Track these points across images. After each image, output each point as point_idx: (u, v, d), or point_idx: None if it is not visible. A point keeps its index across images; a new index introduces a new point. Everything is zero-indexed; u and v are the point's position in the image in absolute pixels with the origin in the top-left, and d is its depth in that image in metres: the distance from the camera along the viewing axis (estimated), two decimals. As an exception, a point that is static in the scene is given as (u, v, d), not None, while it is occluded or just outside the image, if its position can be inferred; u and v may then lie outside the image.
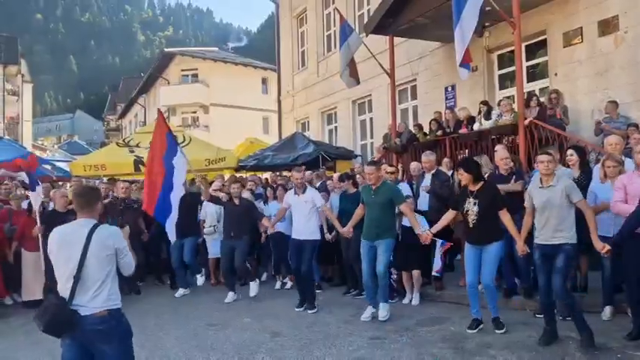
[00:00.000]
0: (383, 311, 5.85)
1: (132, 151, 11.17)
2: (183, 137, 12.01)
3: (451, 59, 11.28)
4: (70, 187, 10.42)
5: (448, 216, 5.50)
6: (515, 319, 5.40)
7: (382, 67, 10.78)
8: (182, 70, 31.17)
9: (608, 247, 4.41)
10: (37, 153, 22.15)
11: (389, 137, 11.16)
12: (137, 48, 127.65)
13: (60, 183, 11.92)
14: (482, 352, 4.64)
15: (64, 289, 3.02)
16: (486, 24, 10.27)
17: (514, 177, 5.96)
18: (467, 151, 9.05)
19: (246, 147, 15.17)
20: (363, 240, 5.97)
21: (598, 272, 5.53)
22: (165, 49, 32.72)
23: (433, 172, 7.08)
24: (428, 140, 9.87)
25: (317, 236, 6.73)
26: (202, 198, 7.62)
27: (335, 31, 15.79)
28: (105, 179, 11.34)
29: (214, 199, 7.54)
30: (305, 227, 6.60)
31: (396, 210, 6.06)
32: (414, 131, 10.61)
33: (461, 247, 6.82)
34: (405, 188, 7.21)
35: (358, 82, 11.13)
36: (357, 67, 10.97)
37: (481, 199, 5.06)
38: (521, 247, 4.95)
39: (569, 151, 6.03)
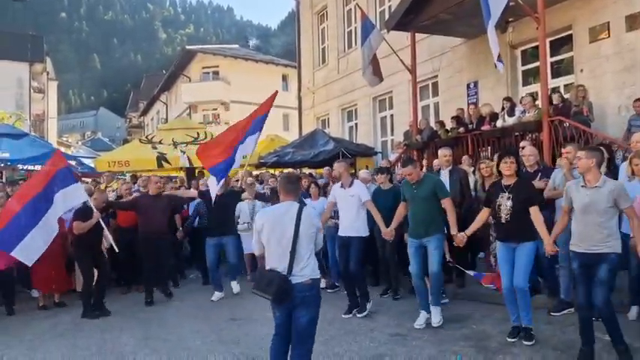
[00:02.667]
0: (436, 316, 5.42)
1: (155, 148, 11.31)
2: (205, 134, 12.14)
3: (474, 55, 11.21)
4: (94, 181, 10.60)
5: (483, 215, 5.09)
6: (537, 317, 5.32)
7: (403, 64, 10.73)
8: (203, 68, 31.40)
9: None
10: (62, 149, 22.57)
11: (410, 134, 11.11)
12: (159, 46, 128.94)
13: (87, 180, 12.10)
14: (504, 350, 4.60)
15: (279, 262, 3.51)
16: (510, 19, 10.14)
17: (539, 175, 5.88)
18: (489, 148, 8.95)
19: (267, 144, 15.18)
20: (410, 239, 5.60)
21: (624, 271, 5.43)
22: (187, 47, 32.95)
23: (450, 168, 6.93)
24: (449, 137, 9.78)
25: (365, 233, 6.21)
26: (247, 196, 7.68)
27: (356, 27, 15.76)
28: (128, 175, 11.55)
29: (260, 197, 7.64)
30: (353, 223, 6.13)
31: None
32: (435, 128, 10.54)
33: (484, 246, 6.78)
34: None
35: (381, 80, 11.09)
36: (379, 64, 10.93)
37: (515, 194, 4.74)
38: (550, 248, 4.52)
39: None
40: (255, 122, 7.49)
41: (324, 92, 17.80)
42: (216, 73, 31.21)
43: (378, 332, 5.26)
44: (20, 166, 11.21)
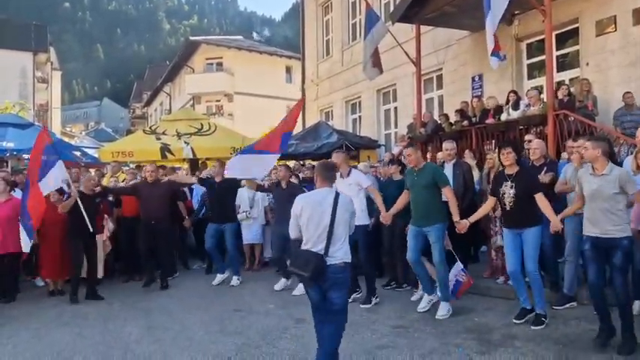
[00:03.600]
0: (442, 309, 5.48)
1: (158, 139, 11.30)
2: (209, 125, 12.12)
3: (478, 48, 11.14)
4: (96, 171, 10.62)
5: (489, 203, 5.34)
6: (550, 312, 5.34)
7: (408, 56, 10.69)
8: (207, 59, 31.36)
9: None
10: (66, 139, 22.64)
11: (414, 127, 11.09)
12: (162, 36, 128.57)
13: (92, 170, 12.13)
14: (507, 343, 4.61)
15: (316, 244, 3.79)
16: (516, 12, 10.09)
17: (545, 168, 5.87)
18: (493, 142, 8.93)
19: (270, 136, 15.21)
20: (411, 226, 5.69)
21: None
22: (191, 38, 32.92)
23: (454, 161, 6.92)
24: (453, 130, 9.76)
25: (366, 220, 6.24)
26: (245, 185, 7.87)
27: (360, 19, 15.67)
28: (132, 165, 11.56)
29: (260, 188, 7.73)
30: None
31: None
32: (439, 121, 10.51)
33: (486, 239, 6.79)
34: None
35: (381, 72, 11.05)
36: (380, 56, 10.88)
37: (518, 182, 4.98)
38: (556, 224, 4.72)
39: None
40: (284, 138, 7.33)
41: (327, 84, 17.75)
42: (219, 64, 31.18)
43: (380, 324, 5.27)
44: (25, 156, 11.22)
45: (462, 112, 9.88)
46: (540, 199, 4.89)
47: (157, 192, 7.39)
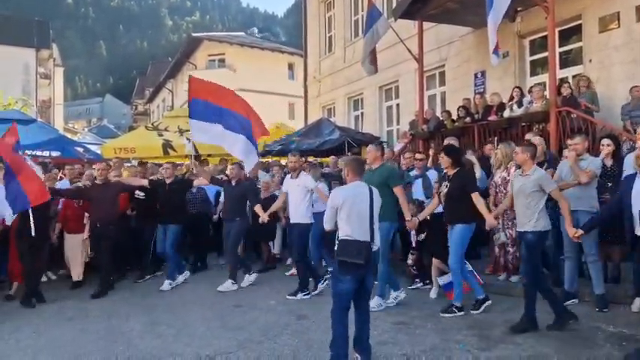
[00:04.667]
0: (374, 302, 5.55)
1: (160, 135, 11.34)
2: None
3: (481, 45, 11.11)
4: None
5: (434, 202, 5.84)
6: (540, 308, 5.33)
7: (410, 53, 10.69)
8: (209, 55, 31.34)
9: (580, 232, 4.68)
10: (69, 135, 22.67)
11: (416, 124, 11.08)
12: (165, 33, 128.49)
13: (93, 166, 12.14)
14: (507, 339, 4.62)
15: (360, 234, 4.07)
16: (519, 9, 10.07)
17: (545, 164, 5.87)
18: (496, 138, 8.91)
19: (272, 132, 15.13)
20: None
21: (629, 263, 5.44)
22: (193, 34, 32.91)
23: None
24: (456, 127, 9.75)
25: (310, 220, 6.70)
26: (199, 182, 7.70)
27: (363, 15, 15.63)
28: (134, 162, 11.57)
29: (215, 181, 7.70)
30: (298, 211, 6.64)
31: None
32: (441, 118, 10.50)
33: (489, 237, 6.78)
34: (433, 175, 7.18)
35: (376, 71, 11.06)
36: (376, 54, 10.88)
37: (452, 182, 5.48)
38: (490, 222, 5.37)
39: (606, 140, 5.91)
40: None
41: (330, 81, 17.74)
42: (222, 60, 31.16)
43: (381, 320, 5.27)
44: (28, 152, 11.23)
45: (465, 109, 9.86)
46: (477, 198, 5.36)
47: (106, 194, 7.11)
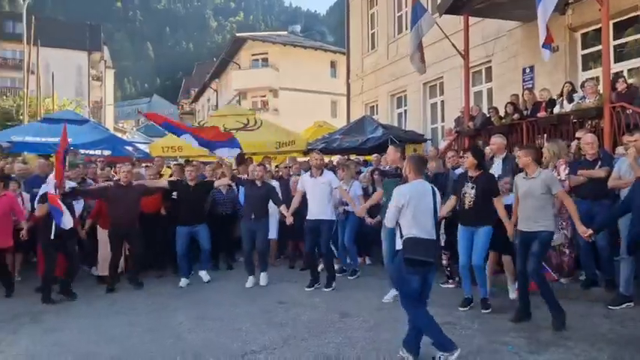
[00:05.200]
0: (389, 295, 6.09)
1: (206, 134, 11.51)
2: (255, 120, 12.29)
3: (530, 39, 10.80)
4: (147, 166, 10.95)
5: (451, 202, 5.79)
6: (595, 311, 5.17)
7: (456, 48, 10.49)
8: (252, 55, 31.74)
9: (590, 231, 4.75)
10: (119, 135, 23.46)
11: (461, 121, 10.88)
12: (209, 34, 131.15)
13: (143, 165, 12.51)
14: (558, 342, 4.48)
15: (426, 232, 4.14)
16: (570, 1, 9.72)
17: (599, 163, 5.65)
18: (545, 135, 8.64)
19: (315, 130, 15.26)
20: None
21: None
22: (237, 35, 33.38)
23: (503, 156, 6.78)
24: (503, 124, 9.50)
25: (333, 216, 7.01)
26: (221, 182, 7.88)
27: (407, 11, 15.48)
28: (181, 160, 11.84)
29: (237, 180, 7.81)
30: (321, 208, 6.81)
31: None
32: (488, 115, 10.26)
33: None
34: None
35: (425, 70, 10.91)
36: (424, 52, 10.72)
37: (478, 185, 5.48)
38: (510, 230, 5.34)
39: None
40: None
41: (373, 78, 17.64)
42: (265, 60, 31.50)
43: (427, 320, 5.21)
44: (82, 151, 11.70)
45: (513, 105, 9.59)
46: (498, 202, 5.45)
47: (128, 195, 7.18)
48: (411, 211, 4.12)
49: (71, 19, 55.09)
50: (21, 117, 20.54)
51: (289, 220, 7.10)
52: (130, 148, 13.32)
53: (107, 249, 7.38)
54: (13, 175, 8.09)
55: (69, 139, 11.20)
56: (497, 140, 6.68)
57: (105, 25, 62.81)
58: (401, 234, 4.20)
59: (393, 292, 6.06)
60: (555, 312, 4.85)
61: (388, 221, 4.32)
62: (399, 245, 4.24)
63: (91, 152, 12.38)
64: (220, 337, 4.98)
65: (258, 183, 7.51)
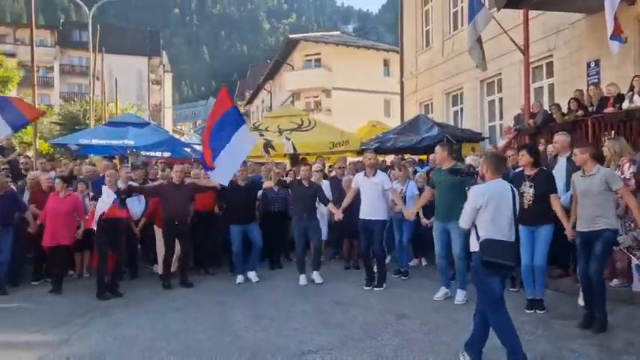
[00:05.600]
0: (459, 296, 6.06)
1: (261, 135, 11.71)
2: (309, 121, 12.37)
3: (595, 32, 10.30)
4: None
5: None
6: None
7: (515, 44, 10.16)
8: (306, 56, 31.94)
9: None
10: (177, 136, 24.24)
11: (521, 118, 10.51)
12: (263, 36, 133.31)
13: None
14: (630, 350, 4.25)
15: (505, 234, 3.98)
16: (640, -10, 9.17)
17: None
18: (612, 132, 8.20)
19: (368, 130, 15.20)
20: (436, 221, 6.28)
21: None
22: (290, 36, 33.71)
23: (567, 155, 6.47)
24: (566, 121, 9.11)
25: (385, 216, 6.98)
26: (268, 184, 8.06)
27: (462, 7, 15.15)
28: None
29: (282, 184, 7.92)
30: (375, 208, 6.84)
31: None
32: (550, 111, 9.86)
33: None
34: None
35: (486, 67, 10.62)
36: (484, 51, 10.43)
37: (537, 183, 5.37)
38: (569, 231, 5.19)
39: None
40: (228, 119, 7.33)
41: (427, 76, 17.35)
42: (318, 60, 31.62)
43: (487, 324, 5.06)
44: (143, 153, 12.16)
45: (577, 101, 9.17)
46: (555, 200, 5.33)
47: (181, 194, 7.40)
48: (490, 212, 3.98)
49: (132, 26, 57.41)
50: (87, 121, 21.57)
51: (338, 216, 7.21)
52: (188, 150, 13.71)
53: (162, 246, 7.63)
54: (81, 177, 8.48)
55: (130, 142, 11.76)
56: (561, 138, 6.36)
57: (163, 30, 65.08)
58: (477, 235, 4.05)
59: (444, 290, 6.25)
60: (601, 314, 4.76)
61: (464, 222, 4.16)
62: (474, 247, 4.09)
63: (152, 154, 12.86)
64: (277, 336, 5.03)
65: (306, 183, 7.60)
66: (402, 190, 7.69)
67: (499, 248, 3.91)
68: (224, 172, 7.20)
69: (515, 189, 4.18)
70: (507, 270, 4.04)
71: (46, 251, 7.34)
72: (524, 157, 5.57)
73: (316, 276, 7.40)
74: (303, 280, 7.34)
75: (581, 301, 5.55)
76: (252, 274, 7.64)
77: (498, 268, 3.92)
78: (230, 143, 7.11)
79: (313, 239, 7.49)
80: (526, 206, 5.37)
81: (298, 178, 7.86)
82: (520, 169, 6.78)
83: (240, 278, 7.55)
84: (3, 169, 8.59)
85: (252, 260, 7.76)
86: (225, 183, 7.37)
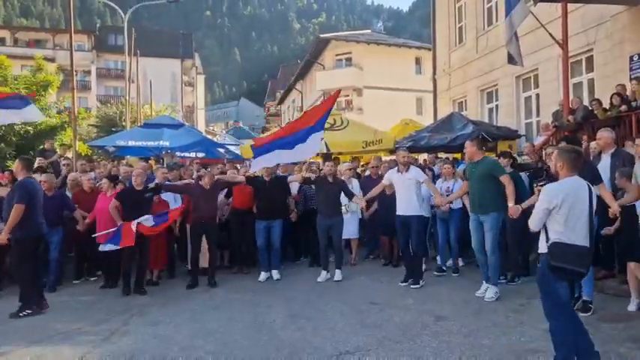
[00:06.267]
0: (490, 292, 6.02)
1: (294, 134, 11.69)
2: (341, 120, 12.30)
3: (638, 24, 9.95)
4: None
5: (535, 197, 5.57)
6: None
7: (553, 38, 9.86)
8: (336, 55, 31.88)
9: None
10: (210, 137, 24.54)
11: (560, 114, 10.22)
12: (293, 36, 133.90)
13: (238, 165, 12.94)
14: (684, 357, 4.05)
15: (580, 237, 3.64)
16: (687, -22, 8.80)
17: None
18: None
19: (401, 128, 15.03)
20: (471, 213, 6.28)
21: None
22: (321, 35, 33.70)
23: (612, 151, 6.25)
24: (609, 117, 8.80)
25: (422, 212, 6.99)
26: (293, 178, 8.10)
27: (496, 2, 14.86)
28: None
29: (307, 181, 7.91)
30: (411, 204, 6.85)
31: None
32: (591, 107, 9.55)
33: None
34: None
35: (523, 64, 10.35)
36: (520, 47, 10.15)
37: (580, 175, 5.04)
38: (614, 209, 4.88)
39: None
40: (319, 121, 7.53)
41: (461, 73, 17.08)
42: (348, 59, 31.53)
43: (529, 326, 4.93)
44: (178, 153, 12.35)
45: (619, 96, 8.85)
46: (602, 188, 5.02)
47: (209, 191, 7.44)
48: (564, 213, 3.63)
49: (166, 29, 58.49)
50: (123, 123, 22.07)
51: (362, 204, 7.37)
52: (222, 150, 13.86)
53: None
54: (120, 177, 8.66)
55: (166, 143, 11.95)
56: (604, 134, 6.14)
57: (195, 33, 66.05)
58: (547, 237, 3.74)
59: (486, 286, 6.18)
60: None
61: (533, 224, 3.81)
62: (542, 248, 3.78)
63: (187, 154, 13.05)
64: (313, 336, 5.01)
65: (330, 179, 7.60)
66: (448, 187, 7.64)
67: (570, 253, 3.60)
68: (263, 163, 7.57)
69: (593, 188, 3.81)
70: (578, 276, 3.72)
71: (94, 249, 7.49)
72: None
73: (337, 274, 7.41)
74: (323, 276, 7.41)
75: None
76: (274, 272, 7.69)
77: (567, 274, 3.65)
78: (290, 150, 7.43)
79: (334, 236, 7.51)
80: None
81: (322, 174, 7.84)
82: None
83: (262, 276, 7.58)
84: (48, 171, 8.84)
85: (272, 260, 7.74)
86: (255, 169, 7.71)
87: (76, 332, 5.40)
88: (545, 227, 3.75)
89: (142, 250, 7.09)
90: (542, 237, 3.77)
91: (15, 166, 6.50)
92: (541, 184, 4.78)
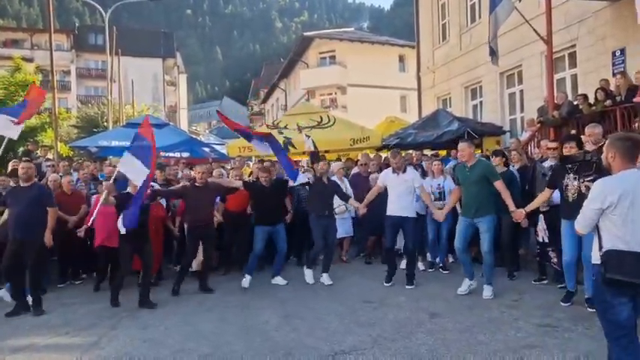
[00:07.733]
0: (487, 291, 6.03)
1: (281, 133, 11.63)
2: (328, 118, 12.26)
3: (620, 19, 10.07)
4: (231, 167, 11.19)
5: (545, 194, 5.55)
6: None
7: (537, 34, 9.93)
8: (320, 53, 31.83)
9: None
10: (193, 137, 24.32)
11: (545, 110, 10.30)
12: (275, 35, 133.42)
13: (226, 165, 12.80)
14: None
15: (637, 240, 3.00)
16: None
17: None
18: (642, 122, 7.99)
19: (386, 126, 15.06)
20: (461, 217, 6.21)
21: None
22: (304, 34, 33.61)
23: (600, 145, 6.32)
24: (594, 111, 8.89)
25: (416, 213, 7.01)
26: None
27: (480, -1, 14.93)
28: (256, 159, 12.04)
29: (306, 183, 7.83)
30: (405, 205, 6.79)
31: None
32: (576, 102, 9.63)
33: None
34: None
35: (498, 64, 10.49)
36: (497, 41, 10.23)
37: (581, 175, 5.12)
38: None
39: None
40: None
41: (445, 70, 17.15)
42: (332, 57, 31.51)
43: (524, 322, 4.93)
44: (162, 154, 12.15)
45: (604, 91, 8.94)
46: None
47: (205, 195, 7.17)
48: (622, 213, 3.00)
49: (146, 28, 57.80)
50: (105, 123, 21.74)
51: (362, 210, 7.14)
52: (207, 150, 13.70)
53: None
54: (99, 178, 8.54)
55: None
56: (595, 131, 6.18)
57: (177, 32, 65.40)
58: (600, 244, 3.12)
59: (468, 283, 6.23)
60: None
61: (582, 227, 3.24)
62: (595, 259, 3.17)
63: (171, 154, 12.87)
64: (307, 336, 4.95)
65: (325, 180, 7.52)
66: (439, 185, 7.63)
67: (631, 263, 2.95)
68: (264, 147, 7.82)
69: None
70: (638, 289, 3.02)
71: (95, 251, 7.37)
72: (573, 150, 5.41)
73: (326, 278, 7.23)
74: (309, 275, 7.31)
75: None
76: (278, 279, 7.42)
77: (631, 288, 2.98)
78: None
79: (329, 237, 7.41)
80: (571, 200, 5.20)
81: (317, 174, 7.74)
82: (549, 162, 6.64)
83: (245, 281, 7.22)
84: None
85: (276, 265, 7.53)
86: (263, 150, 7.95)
87: (64, 337, 5.26)
88: (597, 231, 3.16)
89: (143, 254, 6.63)
90: (595, 244, 3.19)
91: (24, 170, 6.35)
92: (589, 179, 4.79)
